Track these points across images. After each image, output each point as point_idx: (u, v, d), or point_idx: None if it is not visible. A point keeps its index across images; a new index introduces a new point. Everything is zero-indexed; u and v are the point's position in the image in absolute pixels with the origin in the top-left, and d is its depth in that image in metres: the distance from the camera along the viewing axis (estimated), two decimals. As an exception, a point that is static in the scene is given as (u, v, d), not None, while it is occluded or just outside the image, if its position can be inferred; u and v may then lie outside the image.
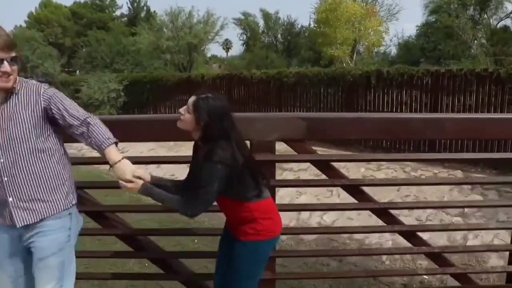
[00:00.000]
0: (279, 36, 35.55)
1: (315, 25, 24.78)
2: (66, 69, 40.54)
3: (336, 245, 7.15)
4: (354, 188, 2.65)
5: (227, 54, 59.22)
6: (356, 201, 2.68)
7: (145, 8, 48.13)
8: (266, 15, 35.81)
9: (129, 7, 48.36)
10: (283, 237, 7.48)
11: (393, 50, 32.94)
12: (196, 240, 7.51)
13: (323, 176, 2.67)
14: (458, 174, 10.19)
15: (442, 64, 18.13)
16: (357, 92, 12.73)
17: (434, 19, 24.44)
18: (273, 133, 2.49)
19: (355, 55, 23.75)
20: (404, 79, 11.68)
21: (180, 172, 11.17)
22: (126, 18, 47.78)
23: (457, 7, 21.84)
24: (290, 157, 2.73)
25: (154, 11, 45.06)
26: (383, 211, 2.69)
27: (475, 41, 21.73)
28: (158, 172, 12.29)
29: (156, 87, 20.57)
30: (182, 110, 2.22)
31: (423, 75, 11.35)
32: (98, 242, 7.12)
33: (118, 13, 50.33)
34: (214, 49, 57.68)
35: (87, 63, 30.40)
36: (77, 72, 37.22)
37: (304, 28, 35.98)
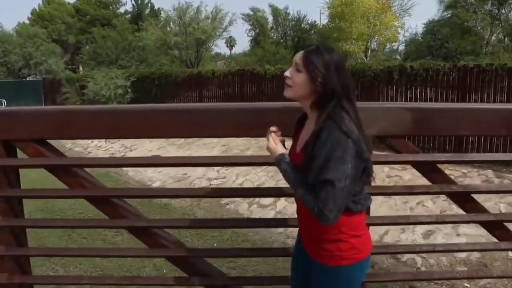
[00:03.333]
0: (288, 32, 35.08)
1: (329, 20, 24.35)
2: (70, 66, 40.14)
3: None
4: (465, 197, 2.12)
5: (230, 51, 58.85)
6: (465, 212, 2.15)
7: (149, 5, 47.74)
8: (275, 11, 35.25)
9: (133, 4, 47.95)
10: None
11: (401, 47, 32.52)
12: (216, 244, 7.05)
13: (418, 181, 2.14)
14: (489, 173, 9.66)
15: (454, 61, 17.62)
16: (378, 87, 12.24)
17: (449, 14, 23.89)
18: (370, 127, 1.98)
19: (369, 51, 23.24)
20: (429, 74, 11.20)
21: (192, 171, 10.56)
22: (130, 15, 47.36)
23: (474, 2, 21.31)
24: (389, 158, 2.18)
25: (158, 8, 44.70)
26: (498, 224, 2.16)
27: (493, 37, 21.26)
28: (168, 171, 11.78)
29: (164, 83, 20.12)
30: (287, 72, 1.76)
31: (450, 70, 10.85)
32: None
33: (122, 10, 49.94)
34: (217, 47, 57.10)
35: (92, 59, 29.97)
36: (80, 68, 36.85)
37: (315, 24, 35.69)
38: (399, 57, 29.56)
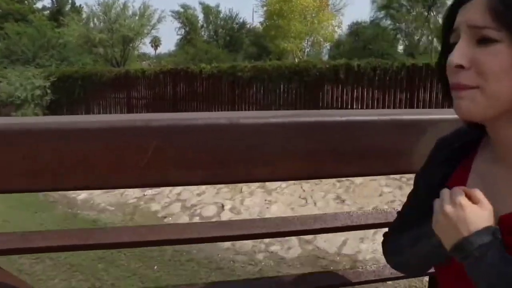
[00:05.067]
0: (220, 30, 34.24)
1: (266, 17, 23.65)
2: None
3: (326, 264, 5.96)
4: None
5: (155, 51, 57.27)
6: None
7: (69, 1, 45.03)
8: (206, 8, 34.26)
9: (52, 0, 45.05)
10: (260, 256, 6.21)
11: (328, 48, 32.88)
12: (156, 267, 6.09)
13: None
14: None
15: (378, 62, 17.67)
16: (323, 87, 11.70)
17: (382, 15, 24.26)
18: None
19: (306, 50, 22.97)
20: (377, 73, 10.83)
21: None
22: (48, 12, 44.34)
23: (406, 4, 21.71)
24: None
25: (80, 5, 42.32)
26: None
27: (425, 38, 21.83)
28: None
29: (89, 84, 18.57)
30: (458, 58, 0.70)
31: (398, 69, 10.54)
32: None
33: (39, 5, 46.69)
34: (145, 45, 55.31)
35: (5, 57, 27.42)
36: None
37: (248, 23, 35.22)
38: (327, 57, 29.80)
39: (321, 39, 22.78)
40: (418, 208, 0.87)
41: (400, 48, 23.93)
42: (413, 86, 10.36)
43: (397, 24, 22.28)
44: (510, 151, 0.74)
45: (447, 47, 0.74)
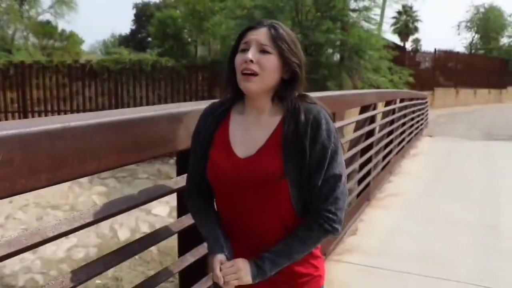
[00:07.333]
0: None
1: None
2: None
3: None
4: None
5: None
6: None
7: None
8: None
9: None
10: None
11: None
12: None
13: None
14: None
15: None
16: None
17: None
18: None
19: None
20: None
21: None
22: None
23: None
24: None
25: None
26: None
27: (21, 33, 20.88)
28: None
29: None
30: (251, 55, 1.25)
31: (6, 67, 9.99)
32: None
33: None
34: None
35: None
36: None
37: None
38: None
39: None
40: (198, 162, 1.37)
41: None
42: (25, 85, 10.05)
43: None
44: (260, 110, 1.32)
45: (236, 51, 1.29)
